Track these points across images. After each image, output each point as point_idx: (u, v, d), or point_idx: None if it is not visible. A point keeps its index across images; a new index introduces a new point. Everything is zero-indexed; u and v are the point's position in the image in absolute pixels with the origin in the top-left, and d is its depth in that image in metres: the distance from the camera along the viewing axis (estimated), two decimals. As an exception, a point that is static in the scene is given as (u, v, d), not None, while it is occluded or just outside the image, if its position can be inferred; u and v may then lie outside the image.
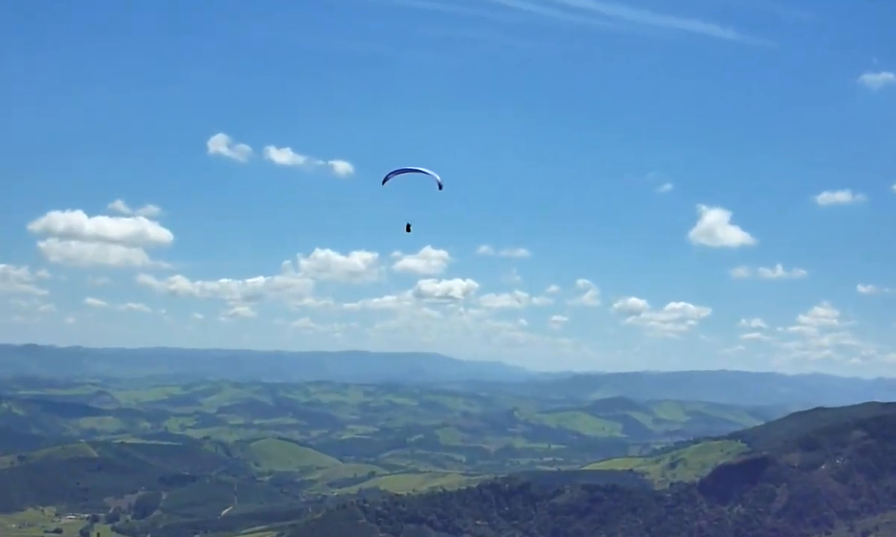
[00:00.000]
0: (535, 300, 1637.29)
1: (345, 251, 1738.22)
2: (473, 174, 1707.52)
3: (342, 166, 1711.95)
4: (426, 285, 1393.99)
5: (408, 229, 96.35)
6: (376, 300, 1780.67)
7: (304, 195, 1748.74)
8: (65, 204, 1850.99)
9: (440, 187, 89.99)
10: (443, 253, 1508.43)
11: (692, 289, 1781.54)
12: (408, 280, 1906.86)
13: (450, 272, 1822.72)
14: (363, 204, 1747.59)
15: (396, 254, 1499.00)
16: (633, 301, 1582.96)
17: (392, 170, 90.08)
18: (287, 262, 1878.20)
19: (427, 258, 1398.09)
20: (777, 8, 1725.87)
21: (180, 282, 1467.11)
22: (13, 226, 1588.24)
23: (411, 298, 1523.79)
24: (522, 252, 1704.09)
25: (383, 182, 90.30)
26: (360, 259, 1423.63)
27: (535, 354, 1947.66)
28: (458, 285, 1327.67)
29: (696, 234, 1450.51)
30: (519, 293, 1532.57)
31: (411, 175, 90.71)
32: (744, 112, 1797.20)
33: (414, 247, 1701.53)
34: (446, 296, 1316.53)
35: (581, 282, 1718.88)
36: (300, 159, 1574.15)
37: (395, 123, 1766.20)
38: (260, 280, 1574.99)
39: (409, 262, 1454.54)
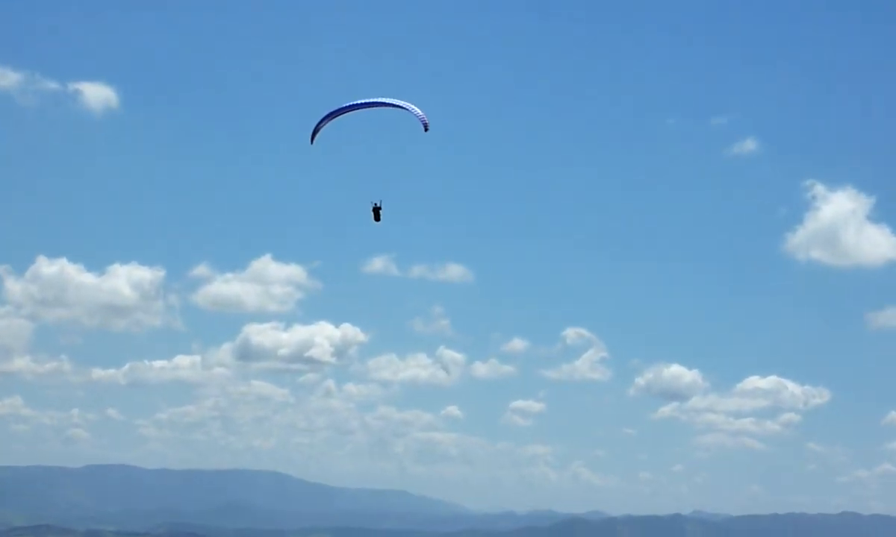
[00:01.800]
0: (480, 368, 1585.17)
1: (95, 263, 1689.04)
2: (361, 113, 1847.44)
3: (97, 93, 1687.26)
4: (261, 335, 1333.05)
5: (376, 216, 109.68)
6: (159, 364, 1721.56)
7: (23, 146, 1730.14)
8: None
9: (426, 129, 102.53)
10: (296, 270, 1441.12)
11: (792, 353, 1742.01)
12: (223, 325, 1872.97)
13: (309, 310, 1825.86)
14: (137, 166, 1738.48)
15: (201, 270, 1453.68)
16: (675, 372, 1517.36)
17: (330, 110, 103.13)
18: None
19: (263, 281, 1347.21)
20: None
21: None
22: None
23: (230, 361, 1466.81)
24: (455, 271, 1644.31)
25: (312, 137, 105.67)
26: (125, 278, 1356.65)
27: (479, 478, 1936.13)
28: (324, 336, 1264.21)
29: (801, 242, 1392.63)
30: (448, 353, 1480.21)
31: (364, 113, 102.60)
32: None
33: (242, 258, 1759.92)
34: (301, 359, 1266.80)
35: (572, 332, 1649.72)
36: (14, 78, 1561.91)
37: (196, 11, 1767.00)
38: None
39: (227, 288, 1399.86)
